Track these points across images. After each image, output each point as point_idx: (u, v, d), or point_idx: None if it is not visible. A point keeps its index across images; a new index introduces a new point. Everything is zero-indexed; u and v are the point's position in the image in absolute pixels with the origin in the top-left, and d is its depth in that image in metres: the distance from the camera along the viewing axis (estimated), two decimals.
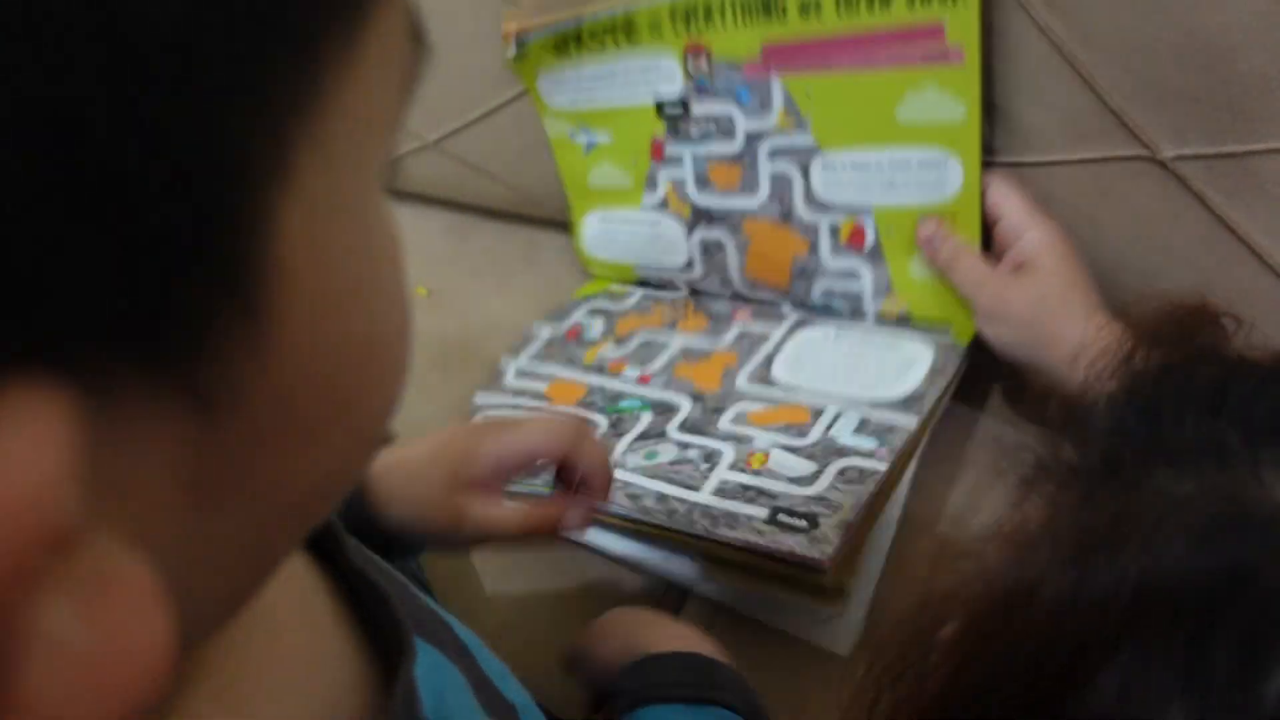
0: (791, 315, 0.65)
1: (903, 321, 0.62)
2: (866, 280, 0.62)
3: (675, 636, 0.40)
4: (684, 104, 0.64)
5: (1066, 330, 0.49)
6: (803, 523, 0.46)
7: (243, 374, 0.12)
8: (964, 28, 0.52)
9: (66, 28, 0.09)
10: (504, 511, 0.39)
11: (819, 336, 0.63)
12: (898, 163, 0.58)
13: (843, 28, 0.55)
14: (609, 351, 0.66)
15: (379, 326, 0.15)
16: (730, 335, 0.65)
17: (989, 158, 0.60)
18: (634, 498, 0.52)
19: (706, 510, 0.49)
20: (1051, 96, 0.55)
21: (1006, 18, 0.55)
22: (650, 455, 0.55)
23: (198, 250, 0.11)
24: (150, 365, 0.11)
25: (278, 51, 0.11)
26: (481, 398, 0.64)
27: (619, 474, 0.53)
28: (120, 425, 0.11)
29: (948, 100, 0.54)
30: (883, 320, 0.63)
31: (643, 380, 0.62)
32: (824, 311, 0.65)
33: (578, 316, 0.71)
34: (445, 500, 0.38)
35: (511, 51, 0.65)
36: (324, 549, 0.23)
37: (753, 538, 0.46)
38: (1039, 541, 0.19)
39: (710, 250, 0.67)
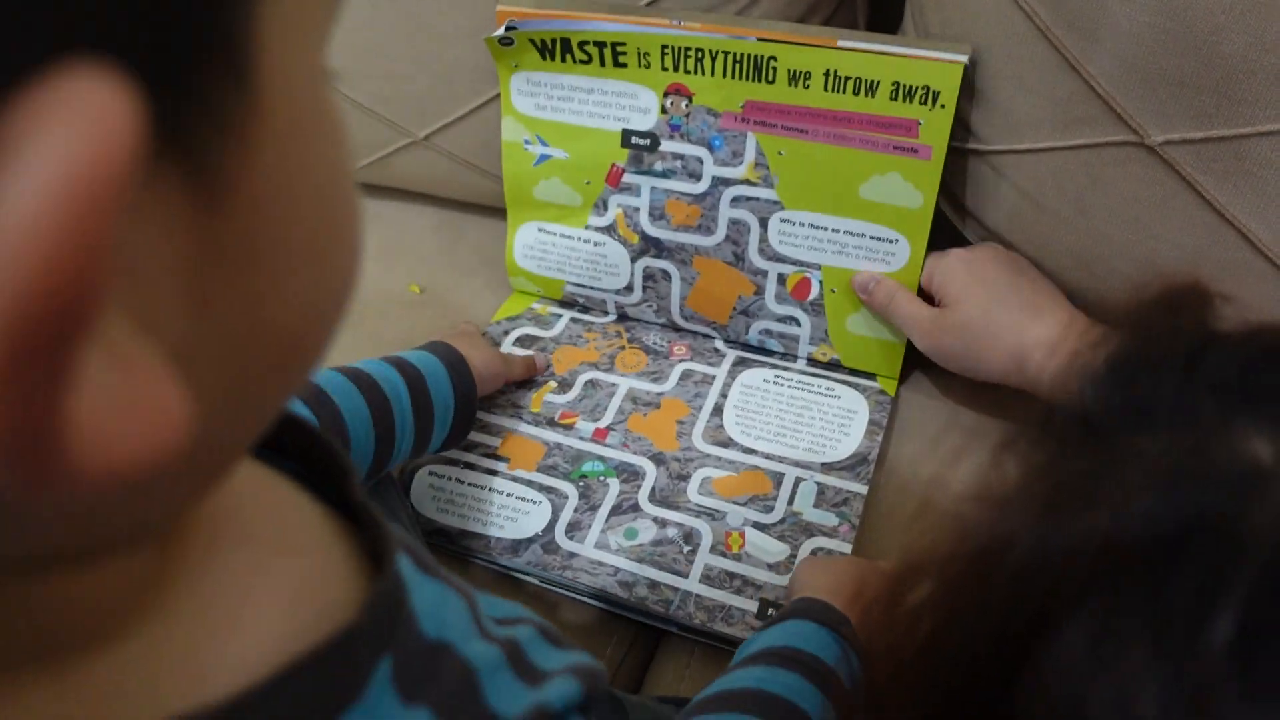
0: (729, 353, 0.67)
1: (833, 366, 0.67)
2: (805, 328, 0.66)
3: (834, 590, 0.46)
4: (653, 138, 0.63)
5: (996, 349, 0.55)
6: None
7: (232, 161, 0.14)
8: (937, 130, 0.57)
9: None
10: (519, 361, 0.64)
11: (759, 381, 0.65)
12: (853, 232, 0.62)
13: (826, 104, 0.59)
14: (555, 397, 0.64)
15: (336, 180, 0.17)
16: (674, 376, 0.65)
17: (979, 145, 0.60)
18: (626, 585, 0.54)
19: (700, 602, 0.53)
20: (1039, 83, 0.55)
21: (993, 4, 0.55)
22: (630, 534, 0.56)
23: (210, 28, 0.13)
24: (173, 110, 0.12)
25: None
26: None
27: (607, 557, 0.55)
28: (143, 186, 0.12)
29: (909, 189, 0.59)
30: (814, 362, 0.67)
31: (598, 435, 0.61)
32: (758, 350, 0.68)
33: (507, 346, 0.68)
34: (498, 359, 0.61)
35: (498, 32, 0.61)
36: (332, 486, 0.24)
37: (748, 636, 0.49)
38: (1012, 499, 0.19)
39: (654, 278, 0.67)
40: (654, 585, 0.54)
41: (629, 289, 0.68)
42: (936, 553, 0.20)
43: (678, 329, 0.69)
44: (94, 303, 0.11)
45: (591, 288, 0.69)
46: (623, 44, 0.61)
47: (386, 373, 0.52)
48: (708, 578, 0.54)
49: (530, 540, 0.56)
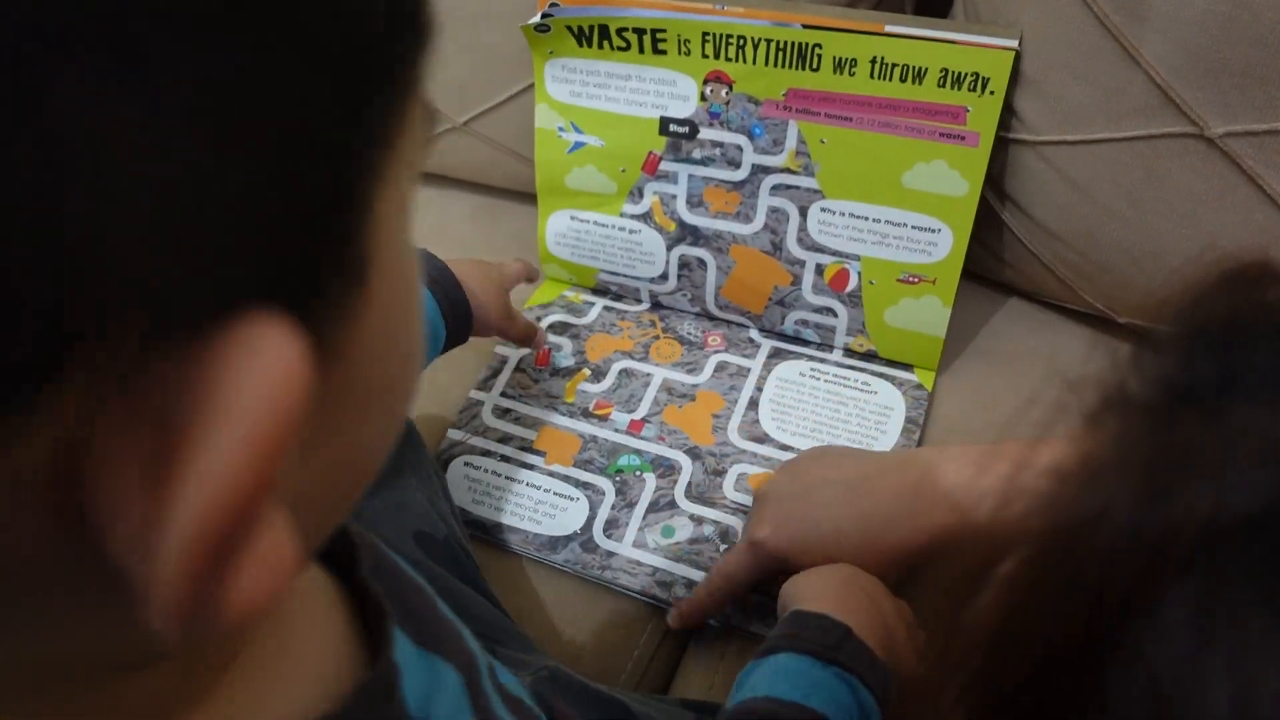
0: (764, 344, 0.66)
1: (869, 357, 0.65)
2: (842, 319, 0.65)
3: (828, 597, 0.43)
4: (691, 126, 0.62)
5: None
6: None
7: (348, 333, 0.16)
8: (985, 116, 0.56)
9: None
10: (520, 316, 0.62)
11: (795, 375, 0.64)
12: (894, 222, 0.60)
13: (872, 91, 0.57)
14: (590, 386, 0.64)
15: (410, 318, 0.19)
16: (708, 368, 0.65)
17: (1027, 135, 0.58)
18: (665, 585, 0.54)
19: (738, 602, 0.52)
20: (1095, 72, 0.53)
21: None
22: (668, 531, 0.56)
23: (340, 228, 0.15)
24: (312, 317, 0.14)
25: (387, 103, 0.16)
26: (455, 434, 0.61)
27: (645, 556, 0.54)
28: None
29: (954, 177, 0.58)
30: (850, 353, 0.66)
31: (634, 428, 0.61)
32: (793, 340, 0.67)
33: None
34: (501, 300, 0.59)
35: (536, 18, 0.60)
36: (340, 563, 0.26)
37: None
38: (1105, 473, 0.18)
39: (689, 266, 0.66)
40: (691, 584, 0.54)
41: (664, 277, 0.68)
42: (1019, 528, 0.20)
43: (712, 318, 0.68)
44: (267, 504, 0.13)
45: (625, 275, 0.69)
46: (663, 30, 0.59)
47: None
48: None
49: (569, 538, 0.56)
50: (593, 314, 0.69)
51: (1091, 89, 0.54)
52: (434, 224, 0.79)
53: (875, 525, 0.47)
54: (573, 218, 0.69)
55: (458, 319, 0.55)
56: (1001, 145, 0.59)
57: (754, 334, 0.67)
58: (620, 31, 0.60)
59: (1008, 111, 0.58)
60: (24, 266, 0.11)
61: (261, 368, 0.13)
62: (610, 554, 0.55)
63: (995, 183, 0.62)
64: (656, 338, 0.67)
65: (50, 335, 0.11)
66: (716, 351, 0.66)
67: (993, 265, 0.67)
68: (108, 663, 0.17)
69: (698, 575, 0.54)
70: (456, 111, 0.73)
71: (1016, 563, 0.20)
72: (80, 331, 0.12)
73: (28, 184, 0.11)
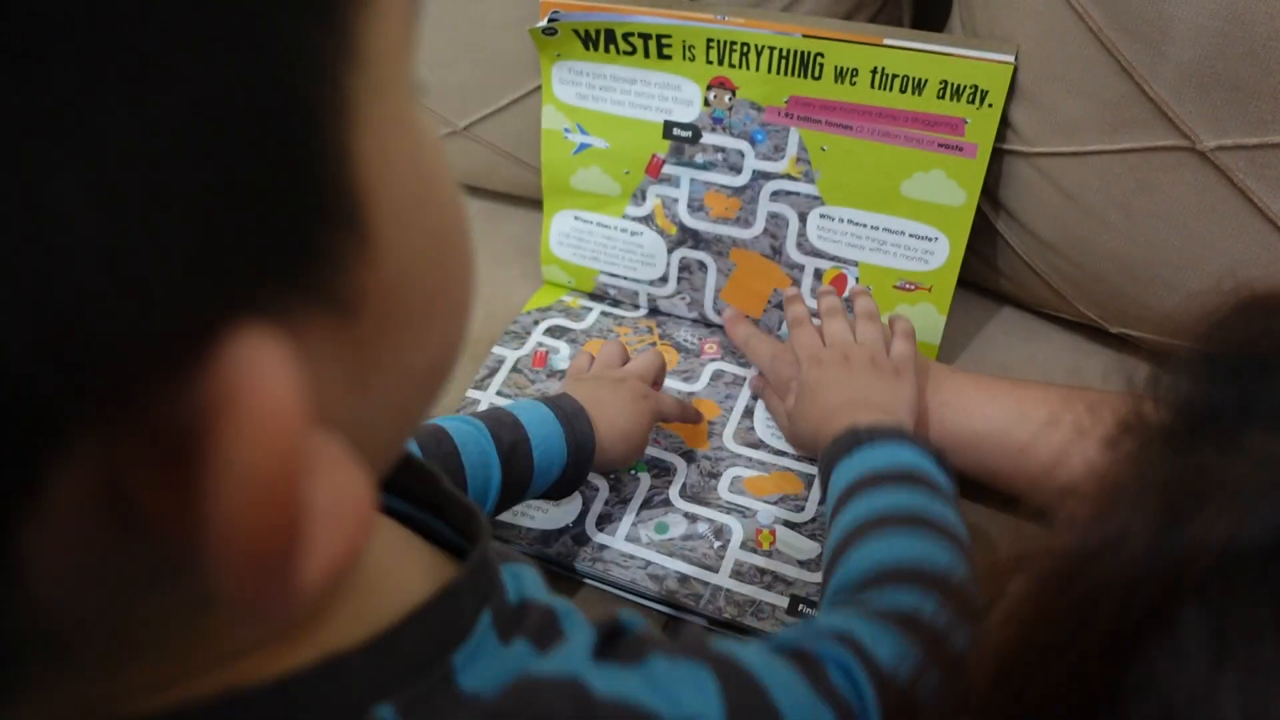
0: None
1: None
2: None
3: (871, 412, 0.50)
4: (695, 130, 0.63)
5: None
6: (820, 614, 0.51)
7: (361, 278, 0.16)
8: (983, 128, 0.57)
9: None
10: (672, 401, 0.58)
11: None
12: (892, 229, 0.61)
13: (872, 100, 0.58)
14: None
15: (445, 220, 0.19)
16: (705, 376, 0.65)
17: (1023, 146, 0.59)
18: (657, 578, 0.54)
19: (730, 596, 0.53)
20: (1090, 85, 0.54)
21: (1044, 3, 0.54)
22: (661, 528, 0.56)
23: (311, 193, 0.14)
24: (308, 294, 0.15)
25: (319, 21, 0.14)
26: None
27: (637, 550, 0.55)
28: (304, 344, 0.14)
29: (952, 187, 0.59)
30: None
31: None
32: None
33: (537, 336, 0.68)
34: (644, 445, 0.56)
35: (541, 23, 0.61)
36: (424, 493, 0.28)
37: (777, 631, 0.51)
38: (1123, 496, 0.19)
39: (689, 269, 0.67)
40: (684, 579, 0.54)
41: (663, 280, 0.68)
42: (1032, 550, 0.20)
43: (709, 324, 0.69)
44: (303, 501, 0.14)
45: (625, 278, 0.69)
46: (668, 36, 0.60)
47: (476, 443, 0.48)
48: (738, 573, 0.54)
49: (561, 531, 0.56)
50: (590, 319, 0.70)
51: (1086, 102, 0.55)
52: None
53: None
54: (576, 218, 0.69)
55: (579, 463, 0.51)
56: (996, 156, 0.60)
57: None
58: (626, 36, 0.61)
59: (1003, 123, 0.59)
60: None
61: (252, 374, 0.13)
62: (602, 546, 0.55)
63: (990, 193, 0.63)
64: (654, 344, 0.68)
65: (37, 411, 0.12)
66: (713, 360, 0.66)
67: (987, 274, 0.68)
68: (235, 651, 0.19)
69: (690, 570, 0.54)
70: (457, 115, 0.73)
71: (1031, 581, 0.20)
72: (62, 401, 0.12)
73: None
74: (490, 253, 0.77)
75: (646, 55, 0.62)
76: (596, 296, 0.72)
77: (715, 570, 0.54)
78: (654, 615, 0.55)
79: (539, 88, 0.68)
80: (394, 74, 0.16)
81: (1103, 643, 0.17)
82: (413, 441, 0.45)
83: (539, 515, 0.57)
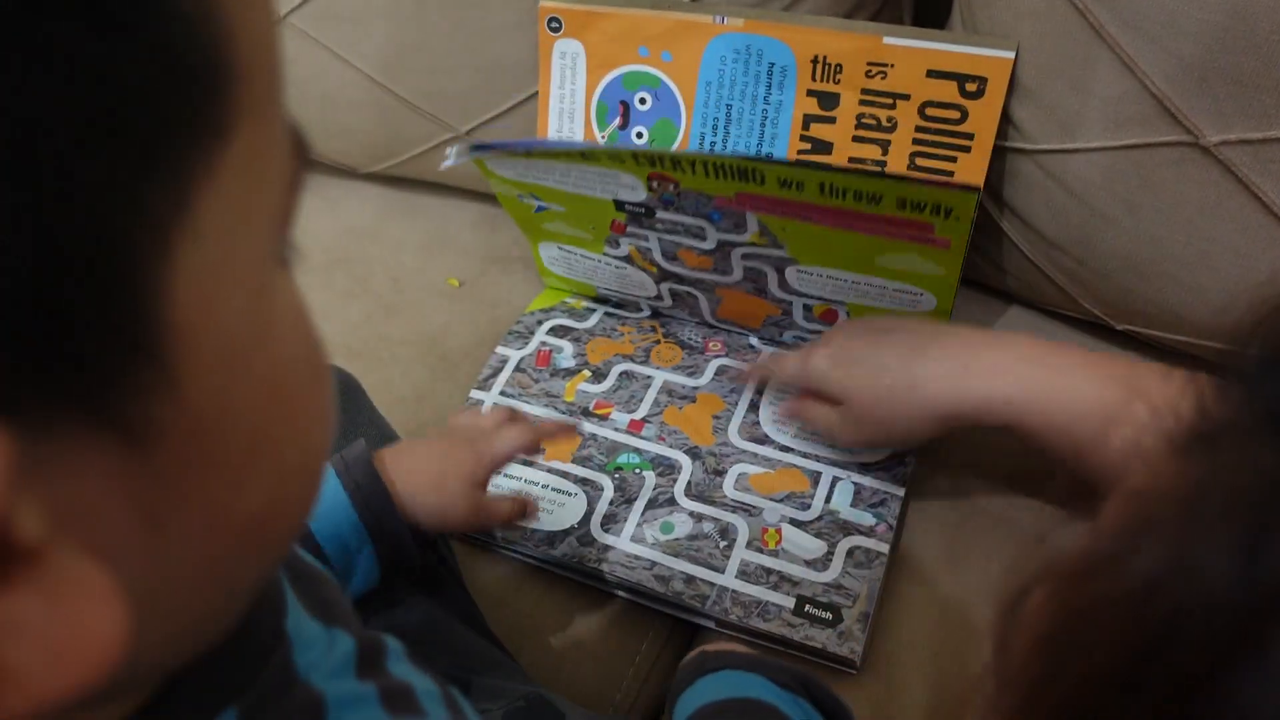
0: (764, 350, 0.66)
1: None
2: None
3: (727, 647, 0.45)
4: (647, 208, 0.57)
5: (907, 414, 0.51)
6: (827, 614, 0.51)
7: (160, 412, 0.15)
8: (954, 230, 0.50)
9: None
10: (501, 503, 0.50)
11: None
12: (874, 285, 0.57)
13: (825, 203, 0.51)
14: (590, 387, 0.64)
15: (284, 376, 0.18)
16: (709, 371, 0.65)
17: (1025, 144, 0.59)
18: (662, 579, 0.54)
19: (736, 597, 0.52)
20: (1092, 82, 0.54)
21: (1046, 0, 0.54)
22: (666, 528, 0.56)
23: (101, 319, 0.14)
24: (75, 407, 0.14)
25: (150, 178, 0.14)
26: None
27: (643, 551, 0.55)
28: (64, 456, 0.14)
29: (930, 265, 0.54)
30: None
31: (634, 427, 0.61)
32: (793, 348, 0.65)
33: (541, 336, 0.68)
34: (466, 502, 0.47)
35: (465, 158, 0.55)
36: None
37: (786, 631, 0.51)
38: (1205, 511, 0.17)
39: (680, 296, 0.66)
40: (690, 580, 0.54)
41: (659, 298, 0.68)
42: (1109, 561, 0.19)
43: (712, 327, 0.69)
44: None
45: (623, 293, 0.69)
46: (594, 155, 0.54)
47: None
48: (744, 573, 0.53)
49: (566, 533, 0.56)
50: (593, 319, 0.70)
51: (1088, 98, 0.55)
52: (435, 231, 0.80)
53: (920, 374, 0.50)
54: (560, 249, 0.67)
55: (384, 533, 0.44)
56: (999, 154, 0.60)
57: (754, 341, 0.68)
58: (548, 157, 0.57)
59: (1005, 120, 0.58)
60: None
61: None
62: (607, 548, 0.55)
63: (994, 191, 0.63)
64: (657, 342, 0.68)
65: None
66: (717, 356, 0.66)
67: (992, 273, 0.68)
68: None
69: (696, 570, 0.54)
70: (459, 121, 0.74)
71: (1101, 596, 0.19)
72: None
73: None
74: (493, 255, 0.77)
75: (580, 158, 0.56)
76: (599, 299, 0.72)
77: (721, 571, 0.54)
78: (662, 618, 0.55)
79: (538, 93, 0.68)
80: (233, 239, 0.16)
81: (1185, 669, 0.17)
82: None
83: (544, 517, 0.57)
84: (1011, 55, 0.55)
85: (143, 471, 0.15)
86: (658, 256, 0.63)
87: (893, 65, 0.59)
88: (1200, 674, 0.16)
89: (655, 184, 0.55)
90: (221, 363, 0.16)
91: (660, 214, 0.58)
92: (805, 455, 0.59)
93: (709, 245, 0.59)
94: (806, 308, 0.63)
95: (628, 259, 0.65)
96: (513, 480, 0.59)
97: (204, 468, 0.16)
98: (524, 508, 0.51)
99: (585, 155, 0.54)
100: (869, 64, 0.59)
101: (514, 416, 0.51)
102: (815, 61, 0.61)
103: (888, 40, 0.57)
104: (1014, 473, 0.57)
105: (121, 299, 0.14)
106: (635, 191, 0.57)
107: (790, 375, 0.57)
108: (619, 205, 0.59)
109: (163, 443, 0.15)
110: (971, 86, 0.56)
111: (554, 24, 0.65)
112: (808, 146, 0.64)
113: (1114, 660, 0.18)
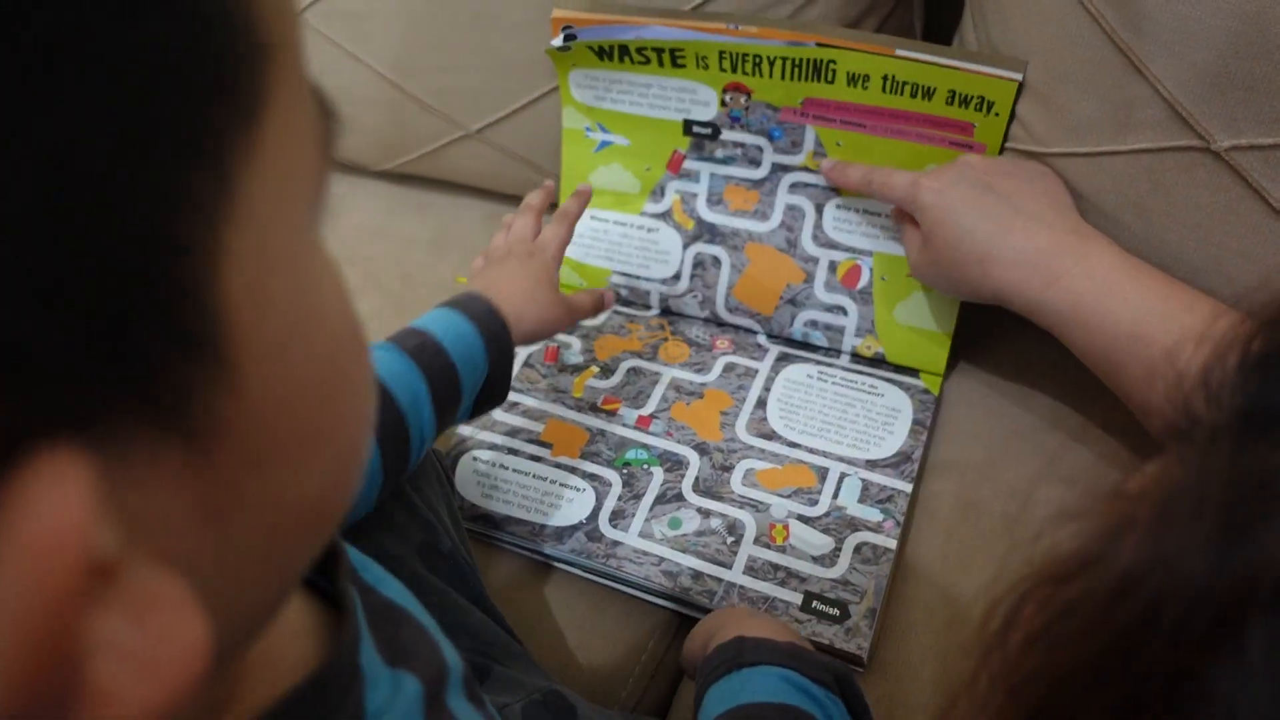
0: (771, 349, 0.67)
1: (876, 361, 0.66)
2: (852, 317, 0.66)
3: (765, 627, 0.45)
4: (714, 127, 0.65)
5: (974, 274, 0.55)
6: (834, 610, 0.51)
7: (221, 408, 0.15)
8: (991, 132, 0.58)
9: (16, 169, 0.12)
10: (583, 298, 0.58)
11: (802, 377, 0.65)
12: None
13: (884, 103, 0.60)
14: (598, 382, 0.64)
15: (334, 354, 0.18)
16: (716, 368, 0.65)
17: (1036, 147, 0.59)
18: (671, 575, 0.54)
19: (743, 593, 0.52)
20: (1102, 86, 0.54)
21: (1056, 5, 0.54)
22: (674, 523, 0.56)
23: (162, 323, 0.14)
24: (143, 416, 0.14)
25: (194, 166, 0.14)
26: (465, 430, 0.61)
27: (651, 546, 0.55)
28: (133, 468, 0.14)
29: None
30: (858, 357, 0.66)
31: (642, 423, 0.61)
32: (801, 345, 0.67)
33: None
34: (558, 307, 0.54)
35: (557, 42, 0.63)
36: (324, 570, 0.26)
37: (793, 627, 0.51)
38: (1182, 505, 0.18)
39: (703, 265, 0.68)
40: (698, 576, 0.53)
41: (676, 277, 0.69)
42: (1089, 555, 0.19)
43: (720, 324, 0.69)
44: (79, 642, 0.12)
45: (638, 277, 0.70)
46: (680, 50, 0.62)
47: (405, 380, 0.46)
48: (751, 569, 0.53)
49: (574, 528, 0.56)
50: (602, 316, 0.70)
51: (1099, 102, 0.55)
52: (444, 229, 0.80)
53: (994, 254, 0.53)
54: (593, 218, 0.70)
55: (501, 361, 0.50)
56: (1011, 155, 0.60)
57: (761, 339, 0.68)
58: (640, 50, 0.63)
59: (1016, 123, 0.59)
60: None
61: (40, 513, 0.12)
62: (616, 543, 0.55)
63: None
64: (665, 339, 0.68)
65: None
66: (724, 354, 0.67)
67: None
68: None
69: (704, 566, 0.54)
70: (470, 119, 0.74)
71: (1084, 593, 0.19)
72: None
73: None
74: None
75: (661, 65, 0.64)
76: None
77: (728, 566, 0.54)
78: (669, 613, 0.55)
79: (550, 92, 0.69)
80: (278, 216, 0.16)
81: (1162, 663, 0.17)
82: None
83: (553, 512, 0.57)
84: (1019, 77, 0.57)
85: (205, 473, 0.15)
86: (701, 203, 0.67)
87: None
88: (1179, 668, 0.17)
89: (729, 97, 0.63)
90: (278, 348, 0.16)
91: (725, 134, 0.65)
92: (813, 451, 0.60)
93: (761, 173, 0.65)
94: (831, 267, 0.65)
95: (666, 215, 0.68)
96: (523, 475, 0.59)
97: (264, 460, 0.16)
98: (601, 299, 0.59)
99: (674, 53, 0.62)
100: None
101: (536, 215, 0.57)
102: None
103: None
104: (1021, 472, 0.58)
105: (181, 299, 0.14)
106: (708, 108, 0.64)
107: (896, 194, 0.58)
108: (687, 127, 0.65)
109: (224, 441, 0.15)
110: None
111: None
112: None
113: (1094, 655, 0.18)
